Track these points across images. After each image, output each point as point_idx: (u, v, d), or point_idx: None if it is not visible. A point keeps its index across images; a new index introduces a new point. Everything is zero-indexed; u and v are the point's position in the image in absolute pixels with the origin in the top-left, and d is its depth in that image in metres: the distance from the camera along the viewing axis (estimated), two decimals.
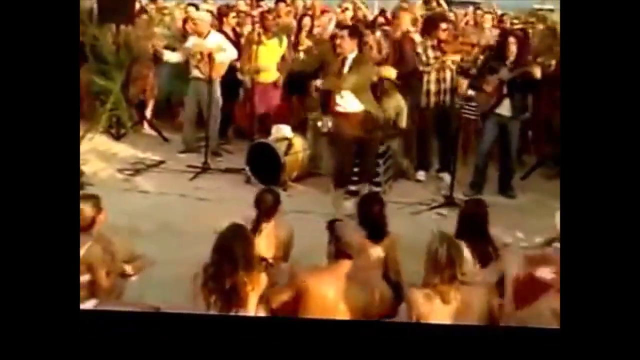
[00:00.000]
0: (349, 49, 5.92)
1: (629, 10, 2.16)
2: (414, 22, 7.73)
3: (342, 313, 3.63)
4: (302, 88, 8.24)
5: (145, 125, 9.19)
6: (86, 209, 4.14)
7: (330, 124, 7.28)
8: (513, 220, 6.18)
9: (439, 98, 7.22)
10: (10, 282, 1.87)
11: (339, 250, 3.72)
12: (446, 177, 7.35)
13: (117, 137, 8.75)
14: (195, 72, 7.91)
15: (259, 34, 7.76)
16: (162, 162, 7.86)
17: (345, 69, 5.96)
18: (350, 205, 6.07)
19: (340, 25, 8.57)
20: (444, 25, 7.05)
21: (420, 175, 7.45)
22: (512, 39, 6.81)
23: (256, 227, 4.46)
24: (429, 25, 7.24)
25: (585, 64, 2.14)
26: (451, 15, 7.84)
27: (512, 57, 6.74)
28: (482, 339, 1.82)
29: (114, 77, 8.45)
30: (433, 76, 7.13)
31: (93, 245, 4.07)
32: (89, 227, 4.16)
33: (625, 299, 1.87)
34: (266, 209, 4.55)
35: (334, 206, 6.32)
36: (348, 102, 6.06)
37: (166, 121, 9.43)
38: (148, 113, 9.27)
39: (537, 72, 6.64)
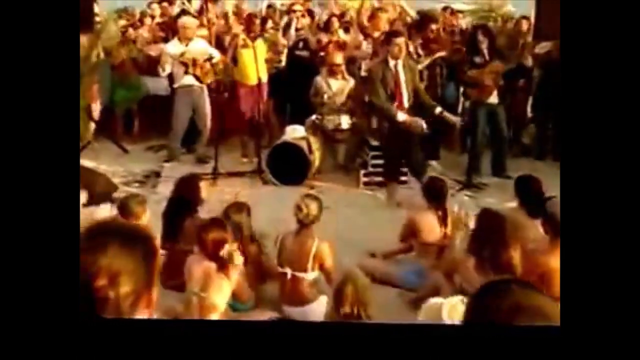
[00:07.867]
0: (404, 53, 6.29)
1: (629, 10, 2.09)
2: (389, 22, 8.24)
3: None
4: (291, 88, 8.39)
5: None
6: (312, 204, 4.46)
7: (344, 121, 7.61)
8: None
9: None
10: (9, 288, 1.78)
11: (555, 227, 4.03)
12: (434, 164, 8.06)
13: None
14: (188, 80, 7.74)
15: (243, 38, 7.82)
16: (157, 173, 7.60)
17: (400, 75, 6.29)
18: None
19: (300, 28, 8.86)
20: (433, 26, 7.70)
21: None
22: (481, 35, 7.59)
23: (445, 215, 4.92)
24: (420, 25, 7.83)
25: (584, 63, 2.06)
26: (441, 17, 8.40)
27: (485, 50, 7.44)
28: (479, 337, 1.66)
29: None
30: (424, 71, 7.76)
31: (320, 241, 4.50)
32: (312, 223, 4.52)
33: (628, 299, 1.85)
34: (442, 195, 5.02)
35: (388, 198, 6.73)
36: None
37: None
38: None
39: (529, 61, 7.54)
